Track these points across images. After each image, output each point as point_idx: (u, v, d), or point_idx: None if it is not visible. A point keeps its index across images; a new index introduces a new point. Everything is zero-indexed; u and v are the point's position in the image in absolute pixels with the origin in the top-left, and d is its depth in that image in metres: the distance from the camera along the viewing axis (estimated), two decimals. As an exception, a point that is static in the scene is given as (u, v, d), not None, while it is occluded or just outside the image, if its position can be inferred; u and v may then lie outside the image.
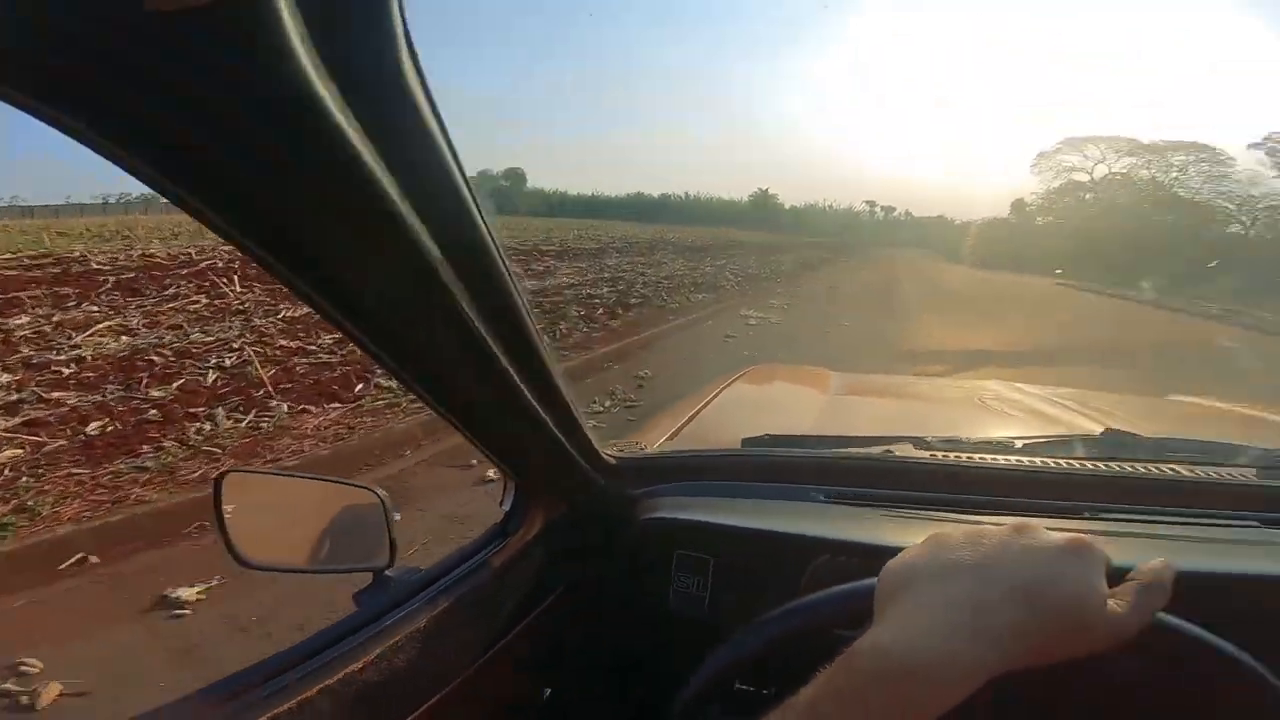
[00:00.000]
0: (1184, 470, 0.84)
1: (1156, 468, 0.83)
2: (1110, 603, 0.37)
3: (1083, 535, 0.39)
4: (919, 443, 0.87)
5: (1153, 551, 0.62)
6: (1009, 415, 1.32)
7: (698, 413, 1.24)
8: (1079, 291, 17.56)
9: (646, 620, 0.76)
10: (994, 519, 0.66)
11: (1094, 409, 1.39)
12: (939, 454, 0.84)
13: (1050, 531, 0.40)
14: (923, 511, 0.73)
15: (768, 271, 16.03)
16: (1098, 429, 1.02)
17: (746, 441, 0.91)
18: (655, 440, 1.05)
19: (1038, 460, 0.82)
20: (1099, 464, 0.82)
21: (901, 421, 0.94)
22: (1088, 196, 37.36)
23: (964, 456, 0.84)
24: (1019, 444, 0.86)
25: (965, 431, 0.95)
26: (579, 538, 0.76)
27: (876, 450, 0.86)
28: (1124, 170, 36.29)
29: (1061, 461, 0.82)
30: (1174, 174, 33.90)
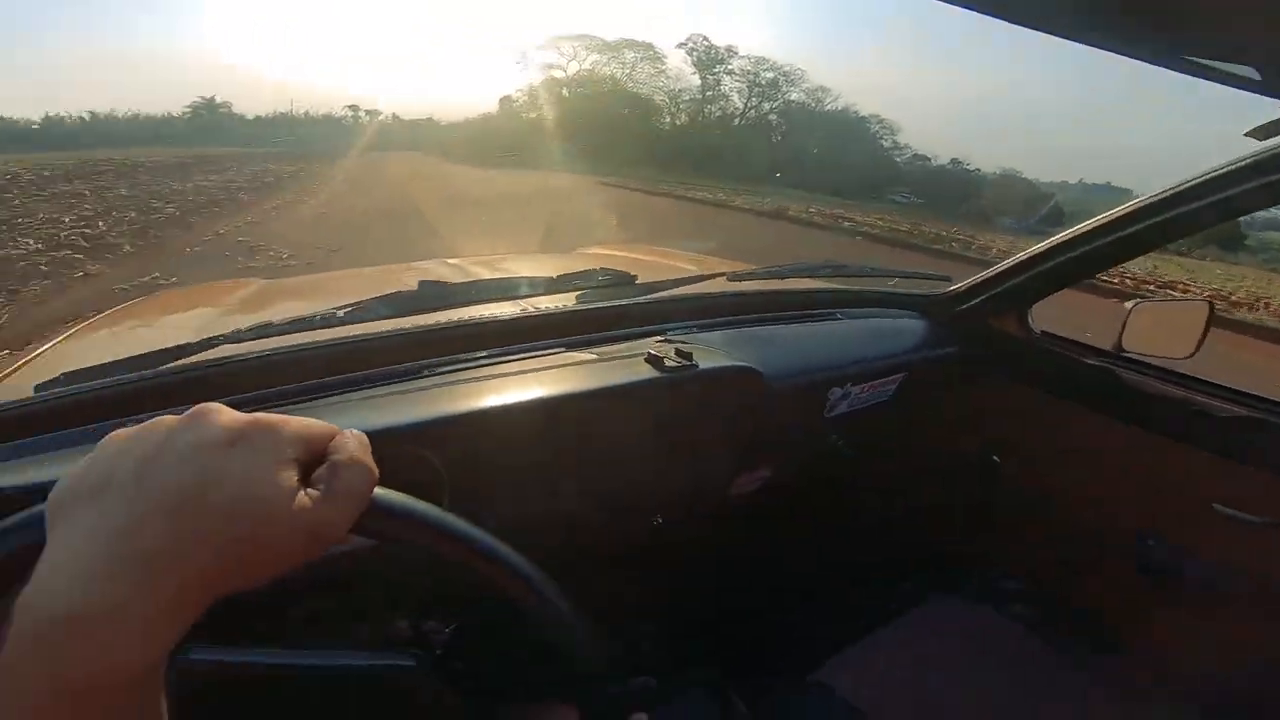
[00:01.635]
0: (495, 310, 0.88)
1: (470, 314, 0.86)
2: (303, 494, 0.29)
3: (260, 416, 0.30)
4: (233, 337, 0.77)
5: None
6: (405, 285, 1.03)
7: (17, 369, 0.97)
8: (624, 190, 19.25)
9: None
10: (309, 405, 0.64)
11: (503, 269, 1.50)
12: (245, 346, 0.75)
13: (228, 415, 0.30)
14: None
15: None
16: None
17: (39, 387, 0.71)
18: None
19: (354, 330, 0.79)
20: (416, 320, 0.83)
21: (268, 318, 0.80)
22: (564, 92, 40.32)
23: (271, 343, 0.76)
24: (341, 314, 0.82)
25: (308, 309, 0.83)
26: None
27: (188, 361, 0.74)
28: (591, 68, 39.89)
29: (384, 325, 0.81)
30: (627, 70, 38.69)
